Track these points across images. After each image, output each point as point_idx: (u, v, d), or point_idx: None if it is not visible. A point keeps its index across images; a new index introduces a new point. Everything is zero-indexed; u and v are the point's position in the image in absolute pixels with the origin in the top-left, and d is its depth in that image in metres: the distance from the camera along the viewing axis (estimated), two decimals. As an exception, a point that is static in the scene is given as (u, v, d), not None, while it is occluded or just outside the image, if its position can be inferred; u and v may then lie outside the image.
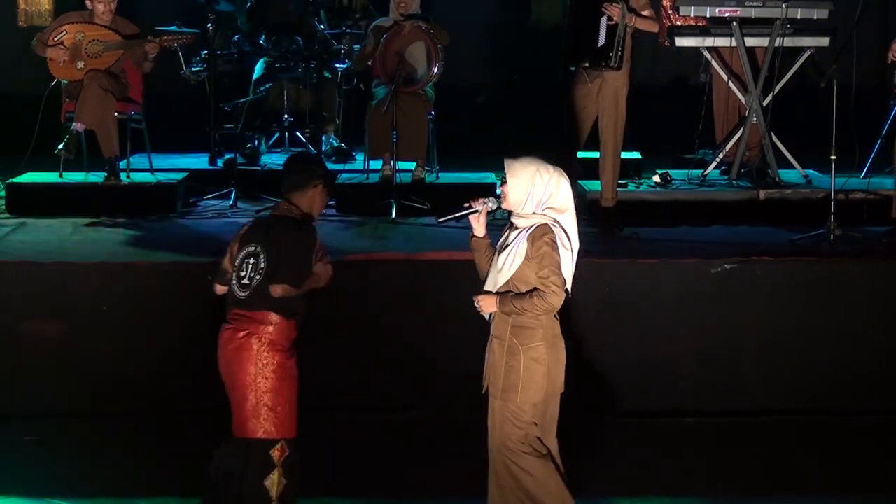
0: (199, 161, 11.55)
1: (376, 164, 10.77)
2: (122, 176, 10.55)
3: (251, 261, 6.51)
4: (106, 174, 10.47)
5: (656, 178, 10.45)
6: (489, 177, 10.80)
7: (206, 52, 11.39)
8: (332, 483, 7.73)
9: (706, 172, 10.53)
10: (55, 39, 10.39)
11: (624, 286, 8.71)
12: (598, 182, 9.97)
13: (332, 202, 10.52)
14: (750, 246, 9.20)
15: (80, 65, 10.38)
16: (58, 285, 8.78)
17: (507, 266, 6.24)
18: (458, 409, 8.68)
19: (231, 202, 10.51)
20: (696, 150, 10.74)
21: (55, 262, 8.87)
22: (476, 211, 6.31)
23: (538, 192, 6.15)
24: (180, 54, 11.05)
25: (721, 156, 10.60)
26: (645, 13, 9.80)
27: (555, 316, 6.26)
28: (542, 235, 6.13)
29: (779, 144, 10.44)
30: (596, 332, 8.69)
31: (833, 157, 9.43)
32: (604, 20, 9.59)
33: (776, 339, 8.83)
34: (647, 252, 9.15)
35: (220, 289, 6.68)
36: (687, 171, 10.58)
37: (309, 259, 6.53)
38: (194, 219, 10.36)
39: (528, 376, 6.21)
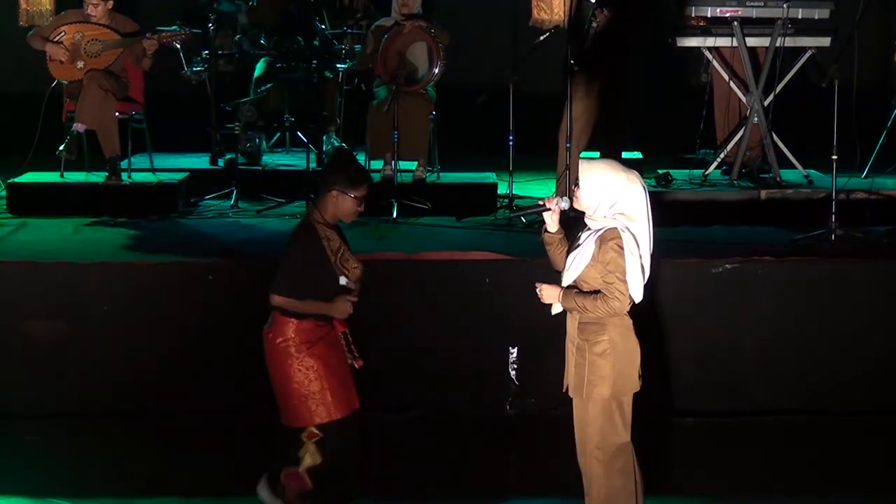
0: (201, 161, 11.56)
1: (377, 164, 10.73)
2: (123, 176, 10.56)
3: None
4: (107, 174, 10.48)
5: (657, 178, 10.45)
6: (490, 176, 10.82)
7: (206, 51, 11.39)
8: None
9: (707, 172, 10.49)
10: (54, 40, 10.40)
11: (624, 286, 8.71)
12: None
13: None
14: (751, 246, 9.18)
15: (80, 65, 10.38)
16: (59, 285, 8.79)
17: (574, 266, 6.25)
18: (458, 409, 8.71)
19: (232, 202, 10.51)
20: (697, 150, 10.68)
21: (56, 262, 8.88)
22: (548, 209, 6.33)
23: (609, 198, 6.16)
24: (181, 54, 11.06)
25: (722, 156, 10.55)
26: None
27: (628, 313, 6.26)
28: (610, 240, 6.14)
29: (780, 144, 10.40)
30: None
31: (834, 157, 9.41)
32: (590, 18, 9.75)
33: (777, 339, 8.82)
34: (647, 252, 9.14)
35: None
36: (688, 170, 10.54)
37: (301, 272, 6.51)
38: (195, 219, 10.36)
39: (592, 371, 6.24)
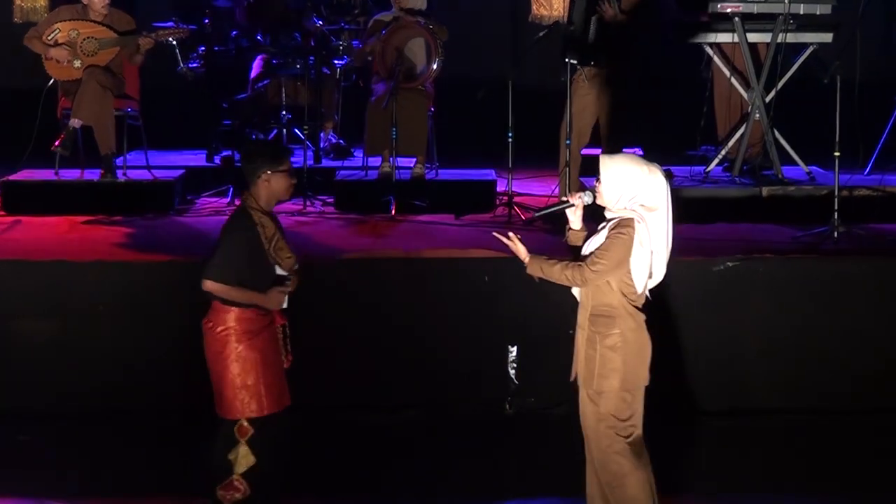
0: (197, 158, 11.56)
1: (375, 161, 10.74)
2: (119, 173, 10.53)
3: None
4: (102, 171, 10.46)
5: (658, 175, 10.42)
6: (490, 174, 10.82)
7: (203, 48, 11.38)
8: (327, 484, 7.76)
9: (708, 169, 10.45)
10: (48, 38, 10.38)
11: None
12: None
13: (330, 199, 10.57)
14: (752, 243, 9.19)
15: (77, 64, 10.37)
16: (53, 284, 8.78)
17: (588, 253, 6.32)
18: (457, 408, 8.71)
19: (229, 200, 10.51)
20: (698, 147, 10.68)
21: (51, 261, 8.88)
22: (572, 205, 6.35)
23: (630, 191, 6.19)
24: (177, 50, 11.05)
25: (723, 152, 10.50)
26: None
27: (640, 308, 6.30)
28: (620, 226, 6.18)
29: (782, 141, 10.32)
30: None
31: (837, 154, 9.42)
32: (594, 18, 9.73)
33: (778, 337, 8.81)
34: (648, 250, 9.13)
35: None
36: (689, 167, 10.52)
37: (237, 257, 6.50)
38: (191, 216, 10.36)
39: (603, 363, 6.26)
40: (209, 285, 6.54)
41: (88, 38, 10.36)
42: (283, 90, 11.31)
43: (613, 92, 10.00)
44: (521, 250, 6.34)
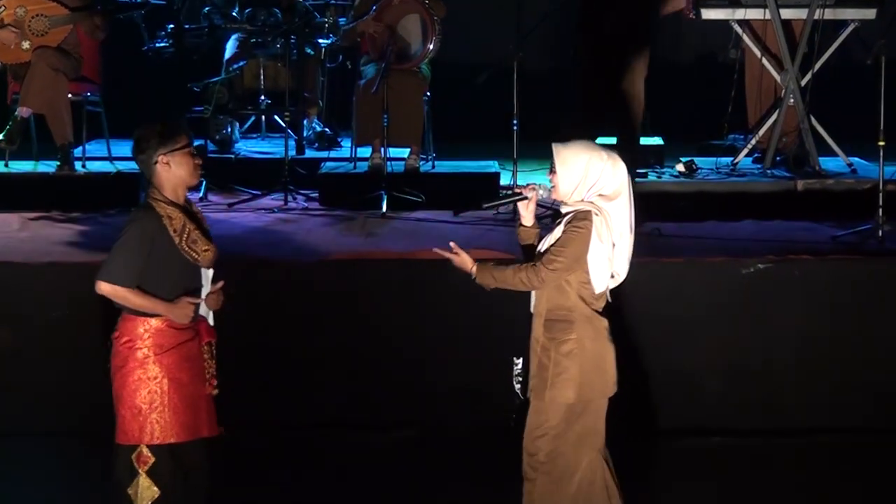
0: (165, 148, 11.47)
1: (365, 152, 10.73)
2: (77, 165, 10.51)
3: None
4: (58, 163, 10.42)
5: (680, 167, 10.52)
6: (491, 165, 10.89)
7: (172, 25, 11.29)
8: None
9: (737, 161, 10.48)
10: (-8, 19, 10.30)
11: (644, 288, 8.69)
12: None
13: (315, 194, 10.47)
14: (787, 243, 9.17)
15: (26, 45, 10.36)
16: (2, 288, 8.72)
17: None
18: (457, 427, 8.60)
19: (201, 194, 10.46)
20: (726, 136, 10.83)
21: (-1, 262, 8.79)
22: (525, 198, 6.32)
23: (590, 180, 6.20)
24: (143, 27, 10.98)
25: (754, 142, 10.57)
26: None
27: (600, 312, 6.28)
28: (577, 221, 6.17)
29: (819, 129, 10.42)
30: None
31: (881, 143, 9.38)
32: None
33: (816, 347, 8.80)
34: (669, 250, 9.16)
35: None
36: (715, 159, 10.58)
37: (135, 255, 6.24)
38: (158, 213, 10.28)
39: (557, 372, 6.26)
40: (103, 288, 6.30)
41: (37, 15, 10.33)
42: (262, 72, 11.41)
43: (628, 75, 9.93)
44: (466, 261, 6.34)
